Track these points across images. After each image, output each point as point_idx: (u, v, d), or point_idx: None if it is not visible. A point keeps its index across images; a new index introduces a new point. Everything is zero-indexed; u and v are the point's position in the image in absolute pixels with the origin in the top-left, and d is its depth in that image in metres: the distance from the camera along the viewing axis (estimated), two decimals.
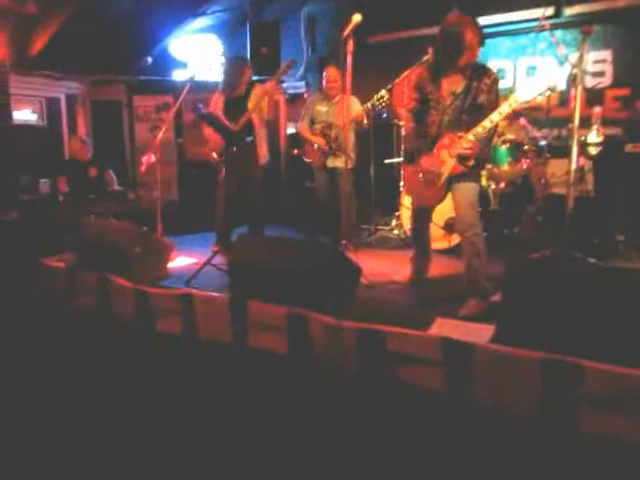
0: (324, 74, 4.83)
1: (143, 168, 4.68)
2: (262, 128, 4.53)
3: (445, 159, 3.19)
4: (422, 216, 3.57)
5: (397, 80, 5.32)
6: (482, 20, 5.71)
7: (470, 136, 3.09)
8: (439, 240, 4.45)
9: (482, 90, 3.11)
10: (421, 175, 3.32)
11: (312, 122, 4.86)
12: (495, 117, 3.04)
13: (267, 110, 4.42)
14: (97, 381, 3.07)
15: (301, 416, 2.56)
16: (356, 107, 4.68)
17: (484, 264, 3.19)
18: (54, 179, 5.97)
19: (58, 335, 3.62)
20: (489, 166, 4.59)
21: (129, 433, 2.58)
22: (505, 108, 3.04)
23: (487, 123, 3.05)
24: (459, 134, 3.14)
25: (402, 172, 3.94)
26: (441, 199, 3.33)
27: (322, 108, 4.82)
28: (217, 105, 4.52)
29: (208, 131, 4.42)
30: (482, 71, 3.16)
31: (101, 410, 2.78)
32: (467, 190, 3.19)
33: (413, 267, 3.69)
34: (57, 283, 4.00)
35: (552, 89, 3.12)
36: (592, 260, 4.06)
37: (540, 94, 3.22)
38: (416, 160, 3.35)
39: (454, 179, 3.21)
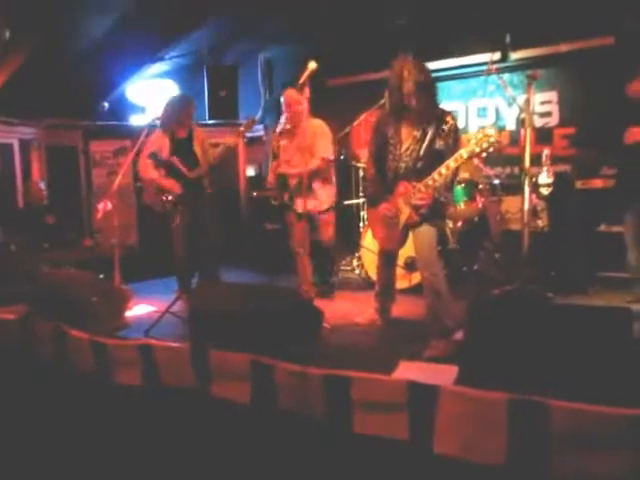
0: (282, 100, 4.35)
1: (99, 215, 4.61)
2: None
3: (401, 207, 3.23)
4: (388, 257, 3.59)
5: (355, 122, 5.43)
6: (435, 64, 5.98)
7: (422, 187, 3.11)
8: (400, 279, 4.46)
9: (439, 136, 3.13)
10: (382, 223, 3.38)
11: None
12: (452, 164, 3.05)
13: (213, 155, 4.35)
14: (57, 434, 2.96)
15: (265, 465, 2.50)
16: (323, 144, 4.23)
17: (445, 303, 3.22)
18: (6, 228, 5.81)
19: (13, 389, 3.47)
20: None
21: None
22: (461, 155, 3.03)
23: (443, 170, 3.06)
24: (413, 183, 3.16)
25: (366, 215, 3.96)
26: (402, 243, 3.39)
27: (284, 142, 4.39)
28: (163, 146, 4.36)
29: (157, 176, 4.32)
30: (441, 116, 3.18)
31: (60, 461, 2.66)
32: (426, 233, 3.24)
33: (376, 307, 3.70)
34: (9, 335, 3.84)
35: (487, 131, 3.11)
36: (550, 294, 4.16)
37: (477, 141, 3.09)
38: (377, 205, 3.40)
39: (415, 225, 3.26)
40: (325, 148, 4.20)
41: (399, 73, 3.15)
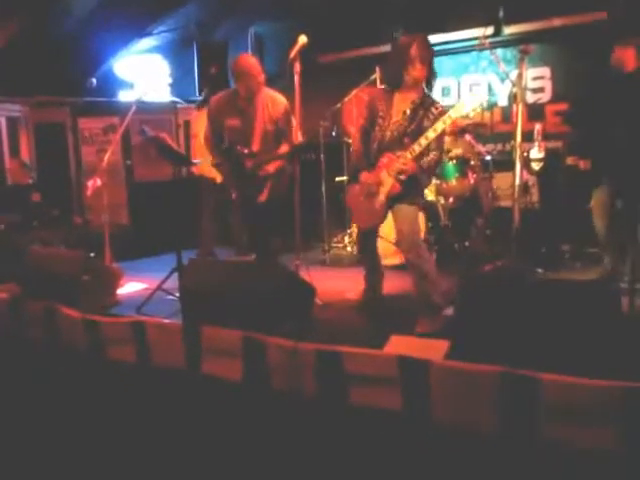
0: (233, 68, 3.89)
1: (89, 192, 4.57)
2: None
3: (384, 178, 3.24)
4: (368, 237, 3.58)
5: (346, 99, 5.39)
6: None
7: (407, 154, 3.15)
8: (390, 256, 4.49)
9: (428, 117, 3.19)
10: (362, 197, 3.35)
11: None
12: (430, 134, 3.10)
13: None
14: (50, 411, 2.97)
15: (258, 443, 2.53)
16: (290, 124, 3.86)
17: (433, 282, 3.23)
18: None
19: (6, 368, 3.48)
20: (437, 182, 4.69)
21: (82, 464, 2.50)
22: (439, 125, 3.11)
23: (423, 140, 3.12)
24: (398, 154, 3.19)
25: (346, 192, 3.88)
26: (381, 219, 3.37)
27: (232, 121, 3.94)
28: None
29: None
30: (431, 102, 3.25)
31: (54, 441, 2.68)
32: (407, 212, 3.25)
33: (366, 285, 3.71)
34: (1, 315, 3.84)
35: (483, 104, 3.21)
36: (539, 270, 4.19)
37: (473, 109, 3.30)
38: (355, 179, 3.40)
39: (394, 201, 3.26)
40: (293, 130, 3.86)
41: (406, 49, 3.14)
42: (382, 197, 3.26)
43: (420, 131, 3.17)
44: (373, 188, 3.28)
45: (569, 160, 4.42)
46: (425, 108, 3.21)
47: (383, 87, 3.35)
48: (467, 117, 3.42)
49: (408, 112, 3.23)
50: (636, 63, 3.85)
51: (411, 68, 3.16)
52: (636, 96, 3.78)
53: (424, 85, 3.28)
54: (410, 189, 3.24)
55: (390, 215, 3.36)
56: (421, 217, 4.67)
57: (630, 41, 3.85)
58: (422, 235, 4.09)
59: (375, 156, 3.30)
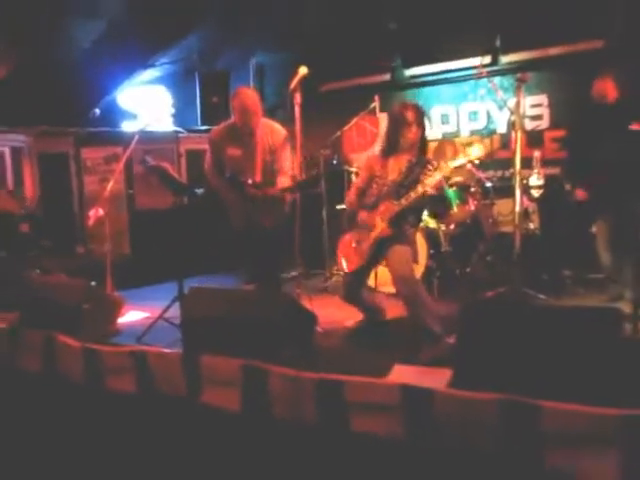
0: (234, 101, 3.88)
1: (91, 222, 4.58)
2: None
3: (377, 223, 3.44)
4: (354, 281, 3.64)
5: (347, 127, 5.45)
6: (425, 68, 6.07)
7: (403, 200, 3.35)
8: (390, 284, 4.46)
9: (425, 173, 3.36)
10: (354, 242, 3.57)
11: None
12: (427, 184, 3.29)
13: None
14: (49, 442, 2.93)
15: (258, 472, 2.49)
16: (289, 157, 3.93)
17: (429, 312, 3.27)
18: None
19: (1, 399, 3.44)
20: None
21: None
22: (437, 176, 3.30)
23: (420, 188, 3.31)
24: (395, 203, 3.38)
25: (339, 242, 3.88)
26: (365, 260, 3.53)
27: (232, 150, 3.94)
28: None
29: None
30: (427, 160, 3.48)
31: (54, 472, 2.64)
32: (399, 252, 3.39)
33: (366, 318, 3.73)
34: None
35: (478, 153, 3.46)
36: (542, 296, 4.17)
37: (466, 158, 3.46)
38: (349, 227, 3.62)
39: (386, 243, 3.41)
40: (291, 163, 3.93)
41: (402, 114, 3.43)
42: (370, 239, 3.46)
43: (416, 183, 3.35)
44: (366, 230, 3.48)
45: (568, 186, 4.44)
46: (421, 166, 3.42)
47: (380, 151, 3.61)
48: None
49: (404, 170, 3.45)
50: (616, 93, 3.95)
51: (407, 131, 3.42)
52: (619, 125, 3.86)
53: (418, 147, 3.49)
54: (400, 233, 3.43)
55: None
56: (422, 243, 4.69)
57: (607, 73, 3.98)
58: (418, 270, 4.18)
59: (372, 205, 3.50)
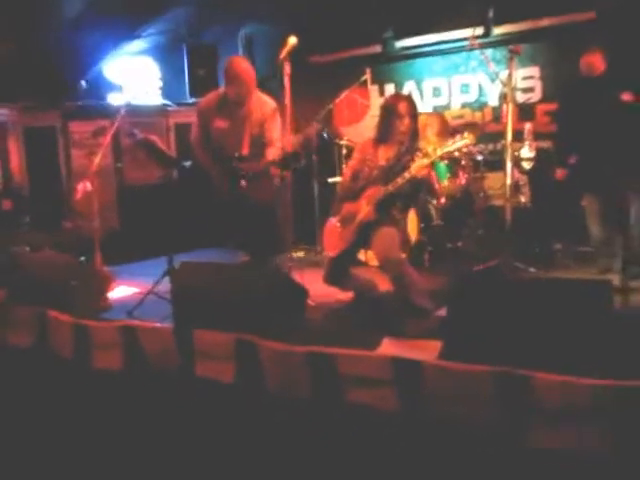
0: (226, 69, 3.78)
1: (79, 196, 4.52)
2: None
3: (362, 206, 3.48)
4: (337, 264, 3.64)
5: (338, 99, 5.39)
6: (416, 40, 5.99)
7: (389, 187, 3.38)
8: None
9: (414, 160, 3.38)
10: (338, 226, 3.60)
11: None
12: (413, 169, 3.32)
13: None
14: (42, 417, 2.93)
15: (252, 444, 2.51)
16: (277, 130, 3.84)
17: (418, 290, 3.28)
18: None
19: None
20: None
21: (76, 469, 2.47)
22: (423, 161, 3.33)
23: (406, 174, 3.34)
24: (382, 187, 3.41)
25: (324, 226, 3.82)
26: (349, 244, 3.56)
27: (219, 122, 3.87)
28: None
29: None
30: (417, 148, 3.51)
31: (45, 448, 2.65)
32: (383, 233, 3.40)
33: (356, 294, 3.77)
34: None
35: (467, 137, 3.44)
36: (532, 269, 4.19)
37: (455, 143, 3.45)
38: (337, 211, 3.64)
39: (371, 227, 3.43)
40: (280, 135, 3.83)
41: (395, 106, 3.48)
42: (355, 223, 3.49)
43: (405, 169, 3.38)
44: (350, 216, 3.52)
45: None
46: (411, 153, 3.45)
47: (372, 138, 3.64)
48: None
49: (394, 156, 3.50)
50: (604, 66, 3.94)
51: (399, 123, 3.46)
52: (609, 97, 3.85)
53: (410, 137, 3.52)
54: (384, 216, 3.44)
55: None
56: (413, 217, 4.69)
57: (595, 46, 3.98)
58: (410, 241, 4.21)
59: (360, 189, 3.54)
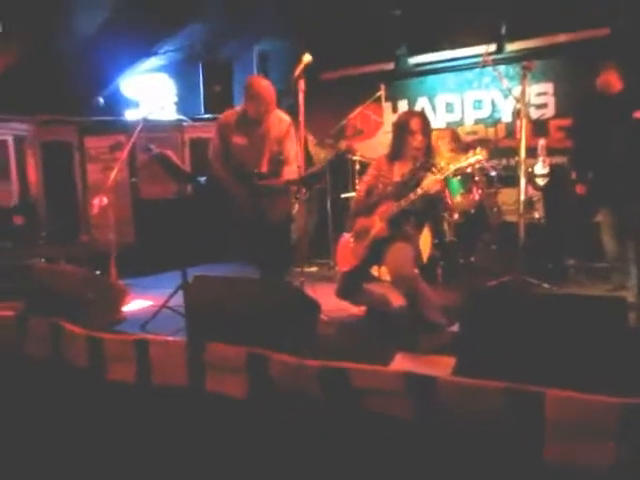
0: (248, 87, 3.81)
1: (95, 211, 4.59)
2: None
3: (375, 222, 3.48)
4: (350, 279, 3.66)
5: (351, 115, 5.43)
6: (430, 56, 6.03)
7: (402, 202, 3.39)
8: None
9: (427, 176, 3.38)
10: (351, 241, 3.61)
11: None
12: (425, 185, 3.33)
13: None
14: (53, 428, 2.95)
15: (263, 457, 2.50)
16: (294, 149, 3.84)
17: (431, 305, 3.27)
18: None
19: (8, 384, 3.47)
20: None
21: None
22: (436, 177, 3.34)
23: (419, 190, 3.34)
24: (395, 203, 3.42)
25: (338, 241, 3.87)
26: (361, 260, 3.57)
27: (238, 139, 3.89)
28: None
29: None
30: (432, 164, 3.48)
31: (57, 459, 2.66)
32: (397, 249, 3.39)
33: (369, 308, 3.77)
34: (6, 332, 3.83)
35: (480, 153, 3.47)
36: (545, 285, 4.17)
37: (468, 159, 3.47)
38: (350, 227, 3.66)
39: (384, 243, 3.44)
40: (296, 153, 3.85)
41: (407, 123, 3.50)
42: (368, 238, 3.50)
43: (419, 185, 3.38)
44: (363, 231, 3.53)
45: (574, 175, 4.43)
46: (425, 169, 3.45)
47: (386, 155, 3.66)
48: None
49: (408, 172, 3.50)
50: (620, 84, 3.95)
51: (411, 139, 3.47)
52: (624, 115, 3.85)
53: (424, 153, 3.53)
54: (398, 231, 3.45)
55: None
56: (426, 233, 4.68)
57: (611, 64, 3.98)
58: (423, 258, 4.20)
59: (374, 205, 3.55)
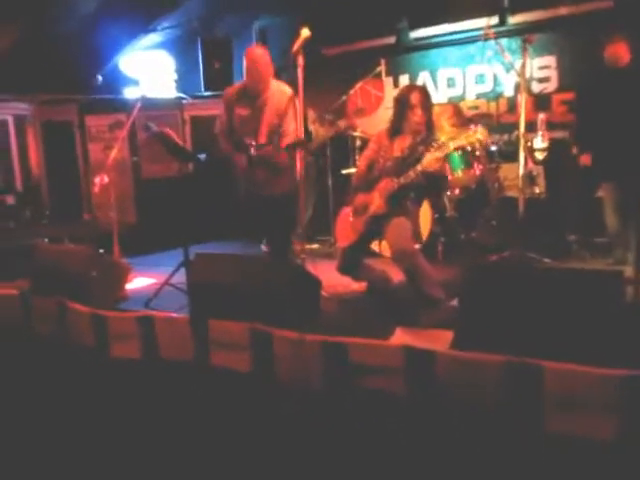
0: (245, 60, 3.85)
1: (97, 189, 4.60)
2: None
3: (375, 199, 3.48)
4: (349, 254, 3.67)
5: (352, 91, 5.38)
6: (431, 30, 5.95)
7: (402, 179, 3.38)
8: None
9: (429, 150, 3.36)
10: (351, 216, 3.61)
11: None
12: (425, 162, 3.32)
13: None
14: (60, 406, 3.00)
15: (266, 433, 2.55)
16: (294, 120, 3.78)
17: (431, 280, 3.30)
18: None
19: (14, 365, 3.52)
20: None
21: (93, 457, 2.53)
22: (436, 154, 3.32)
23: (418, 167, 3.34)
24: (394, 180, 3.41)
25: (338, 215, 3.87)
26: (359, 235, 3.58)
27: (241, 110, 3.91)
28: None
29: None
30: (432, 139, 3.48)
31: (64, 436, 2.71)
32: (396, 223, 3.41)
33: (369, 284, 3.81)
34: (12, 311, 3.88)
35: (480, 132, 3.55)
36: (546, 260, 4.18)
37: (468, 138, 3.48)
38: (350, 201, 3.66)
39: (383, 219, 3.45)
40: (295, 125, 3.77)
41: (407, 97, 3.47)
42: (367, 215, 3.51)
43: (418, 161, 3.37)
44: (362, 207, 3.53)
45: (575, 150, 4.41)
46: (426, 144, 3.43)
47: (387, 130, 3.64)
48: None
49: (408, 148, 3.49)
50: (629, 56, 3.89)
51: (411, 114, 3.46)
52: (633, 89, 3.81)
53: (425, 128, 3.50)
54: (397, 207, 3.45)
55: None
56: (427, 208, 4.69)
57: (620, 36, 3.92)
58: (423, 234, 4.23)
59: (374, 180, 3.54)
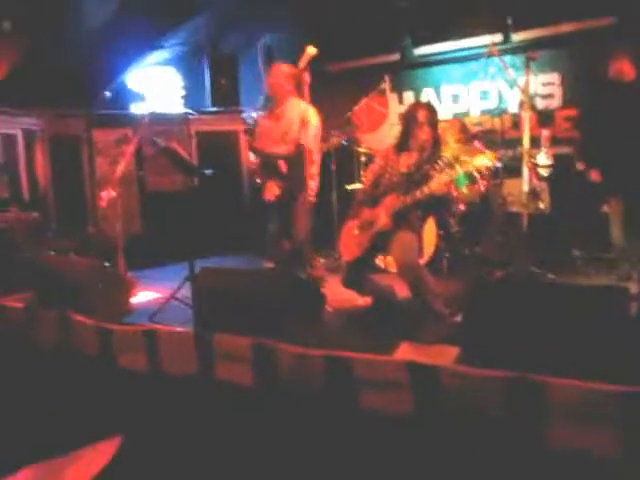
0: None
1: (104, 203, 4.63)
2: None
3: (380, 215, 3.49)
4: (354, 268, 3.68)
5: (357, 107, 5.43)
6: (435, 47, 6.01)
7: (408, 198, 3.38)
8: None
9: (434, 168, 3.40)
10: (356, 230, 3.62)
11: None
12: (433, 185, 3.31)
13: None
14: (62, 418, 3.00)
15: (270, 445, 2.54)
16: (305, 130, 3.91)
17: (435, 295, 3.30)
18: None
19: (18, 376, 3.52)
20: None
21: None
22: (443, 178, 3.32)
23: (425, 189, 3.33)
24: (400, 198, 3.42)
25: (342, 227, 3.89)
26: (363, 251, 3.58)
27: (265, 122, 4.16)
28: None
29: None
30: (438, 156, 3.51)
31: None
32: (400, 239, 3.41)
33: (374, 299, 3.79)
34: (16, 323, 3.89)
35: (489, 158, 3.52)
36: (551, 276, 4.18)
37: (476, 162, 3.48)
38: (355, 214, 3.67)
39: (388, 234, 3.46)
40: (306, 137, 3.86)
41: (414, 114, 3.51)
42: (372, 231, 3.51)
43: (425, 180, 3.38)
44: (368, 223, 3.54)
45: (579, 166, 4.42)
46: (431, 162, 3.45)
47: (394, 146, 3.68)
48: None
49: (414, 165, 3.50)
50: (633, 72, 3.91)
51: (418, 131, 3.48)
52: (638, 105, 3.83)
53: (431, 145, 3.53)
54: (403, 223, 3.46)
55: None
56: (431, 224, 4.70)
57: (622, 52, 3.95)
58: (428, 250, 4.24)
59: (379, 196, 3.56)
